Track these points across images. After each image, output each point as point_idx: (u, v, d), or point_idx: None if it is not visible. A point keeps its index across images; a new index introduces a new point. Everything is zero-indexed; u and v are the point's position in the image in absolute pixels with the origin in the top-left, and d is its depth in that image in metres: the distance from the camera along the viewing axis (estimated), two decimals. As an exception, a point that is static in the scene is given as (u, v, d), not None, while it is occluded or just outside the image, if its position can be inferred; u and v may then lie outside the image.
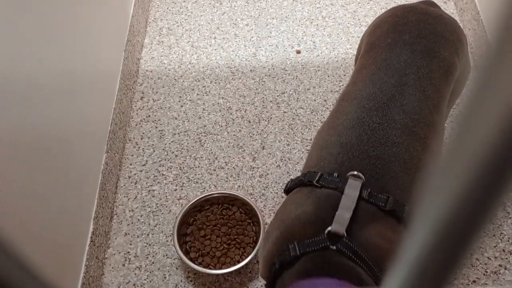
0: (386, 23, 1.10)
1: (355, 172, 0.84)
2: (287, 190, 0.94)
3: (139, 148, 1.57)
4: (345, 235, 0.77)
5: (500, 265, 1.28)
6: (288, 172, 1.48)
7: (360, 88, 0.98)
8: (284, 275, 0.79)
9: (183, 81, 1.74)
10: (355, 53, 1.76)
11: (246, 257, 1.23)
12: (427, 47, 1.02)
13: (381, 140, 0.89)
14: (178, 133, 1.60)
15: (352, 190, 0.81)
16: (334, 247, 0.76)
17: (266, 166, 1.50)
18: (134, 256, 1.35)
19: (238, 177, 1.48)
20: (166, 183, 1.48)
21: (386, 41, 1.05)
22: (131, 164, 1.53)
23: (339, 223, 0.77)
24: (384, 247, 0.79)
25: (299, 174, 1.48)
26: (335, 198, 0.82)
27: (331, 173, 0.87)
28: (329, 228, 0.77)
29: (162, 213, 1.42)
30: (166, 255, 1.34)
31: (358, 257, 0.76)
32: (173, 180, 1.49)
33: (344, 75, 1.72)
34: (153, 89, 1.72)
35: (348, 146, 0.90)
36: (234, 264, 1.23)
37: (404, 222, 0.85)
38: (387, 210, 0.82)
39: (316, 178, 0.86)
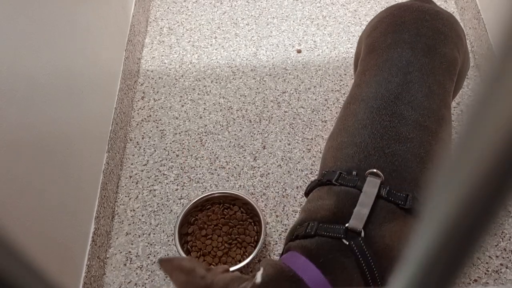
0: (384, 23, 1.10)
1: (374, 170, 0.84)
2: (307, 193, 0.95)
3: (140, 147, 1.57)
4: (362, 232, 0.78)
5: (501, 264, 1.28)
6: (289, 172, 1.48)
7: (365, 90, 0.99)
8: (292, 243, 0.83)
9: (184, 80, 1.74)
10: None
11: (247, 257, 1.23)
12: (427, 45, 1.02)
13: (394, 137, 0.89)
14: (179, 133, 1.60)
15: (370, 188, 0.82)
16: (347, 242, 0.77)
17: (267, 166, 1.50)
18: (136, 256, 1.35)
19: (239, 176, 1.48)
20: (167, 183, 1.48)
21: (386, 41, 1.05)
22: (132, 164, 1.53)
23: (357, 219, 0.79)
24: (396, 249, 0.79)
25: (300, 173, 1.48)
26: (353, 195, 0.83)
27: (349, 171, 0.88)
28: (347, 225, 0.79)
29: (163, 213, 1.42)
30: (168, 254, 1.34)
31: (366, 261, 0.76)
32: (174, 179, 1.49)
33: (345, 74, 1.72)
34: (154, 88, 1.72)
35: (363, 145, 0.90)
36: (235, 264, 1.23)
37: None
38: (407, 208, 0.81)
39: (335, 177, 0.87)
